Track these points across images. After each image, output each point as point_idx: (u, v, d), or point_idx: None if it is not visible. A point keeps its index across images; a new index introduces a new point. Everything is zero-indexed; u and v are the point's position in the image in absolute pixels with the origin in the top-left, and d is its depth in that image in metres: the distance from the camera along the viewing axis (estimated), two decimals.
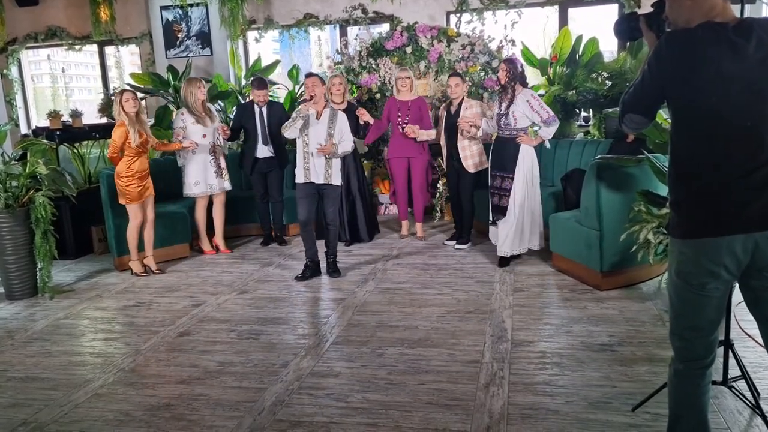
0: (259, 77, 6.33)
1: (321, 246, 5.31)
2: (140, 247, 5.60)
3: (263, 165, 6.15)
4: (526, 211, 5.14)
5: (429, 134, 6.02)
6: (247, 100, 6.45)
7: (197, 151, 5.84)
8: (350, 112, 6.09)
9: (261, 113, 6.06)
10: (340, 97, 6.08)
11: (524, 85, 5.14)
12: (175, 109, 7.71)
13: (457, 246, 5.88)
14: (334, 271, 5.23)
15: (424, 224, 6.51)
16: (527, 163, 5.10)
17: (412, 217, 6.43)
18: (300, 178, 5.11)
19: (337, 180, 5.12)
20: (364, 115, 5.93)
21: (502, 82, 5.09)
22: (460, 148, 5.69)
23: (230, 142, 6.63)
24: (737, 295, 4.14)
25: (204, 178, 5.90)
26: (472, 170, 5.71)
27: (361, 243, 6.25)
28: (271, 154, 6.09)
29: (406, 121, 6.00)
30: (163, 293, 5.05)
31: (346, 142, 5.09)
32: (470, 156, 5.70)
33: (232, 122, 6.40)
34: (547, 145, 5.22)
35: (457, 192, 5.96)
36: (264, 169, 6.17)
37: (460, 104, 5.70)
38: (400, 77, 6.08)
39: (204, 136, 5.81)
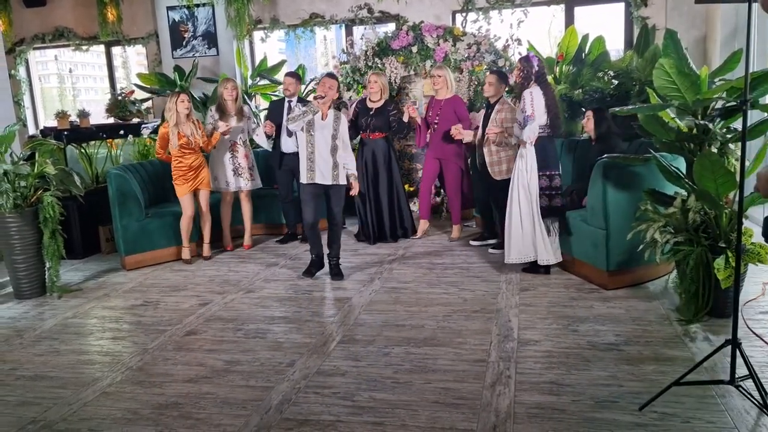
0: (289, 72, 6.50)
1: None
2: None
3: (289, 161, 6.12)
4: (521, 219, 4.83)
5: (470, 134, 5.74)
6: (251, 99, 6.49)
7: (218, 149, 5.94)
8: (385, 109, 6.08)
9: (290, 107, 6.09)
10: (378, 95, 6.06)
11: (540, 82, 4.80)
12: None
13: (492, 251, 5.64)
14: (336, 274, 5.16)
15: (430, 224, 6.49)
16: (523, 167, 4.78)
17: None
18: (303, 179, 5.04)
19: (343, 179, 5.07)
20: (414, 112, 5.91)
21: (516, 81, 4.90)
22: (485, 154, 5.43)
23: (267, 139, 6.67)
24: (744, 294, 4.14)
25: (223, 175, 6.01)
26: (497, 178, 5.40)
27: (407, 238, 6.25)
28: (296, 150, 6.07)
29: (436, 121, 5.95)
30: (170, 292, 5.07)
31: (347, 152, 5.03)
32: (496, 162, 5.40)
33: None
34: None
35: (484, 194, 5.82)
36: (291, 167, 6.13)
37: (494, 105, 5.44)
38: (433, 75, 6.03)
39: (225, 134, 5.84)
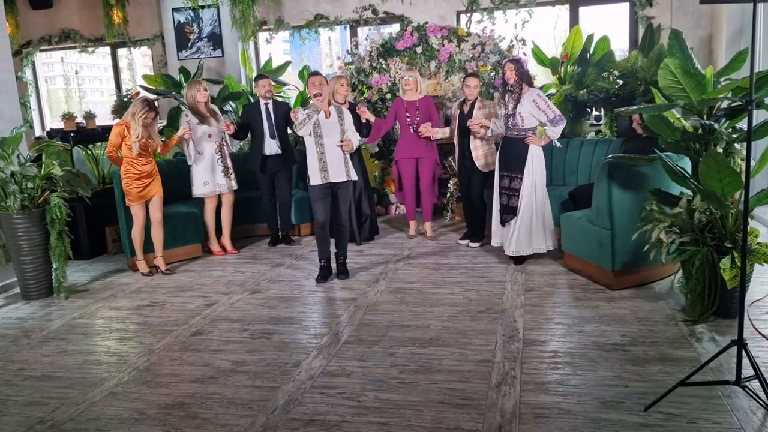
0: (260, 74, 6.47)
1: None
2: (149, 248, 5.67)
3: (272, 164, 6.16)
4: (534, 213, 5.11)
5: (444, 132, 6.01)
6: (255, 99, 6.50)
7: (204, 152, 5.90)
8: (351, 111, 6.10)
9: (267, 109, 6.11)
10: (342, 97, 6.09)
11: (530, 84, 5.16)
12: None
13: (471, 245, 5.92)
14: (342, 272, 5.22)
15: (435, 224, 6.52)
16: (536, 164, 5.08)
17: (419, 216, 6.46)
18: (316, 180, 5.00)
19: (354, 175, 5.13)
20: (365, 113, 5.94)
21: (511, 82, 5.07)
22: (472, 148, 5.75)
23: (239, 141, 6.67)
24: (750, 295, 4.13)
25: (212, 178, 5.95)
26: (484, 170, 5.76)
27: (362, 244, 6.23)
28: (279, 151, 6.10)
29: (416, 121, 5.98)
30: (176, 293, 5.09)
31: (354, 136, 5.13)
32: (482, 156, 5.75)
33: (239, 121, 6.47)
34: (557, 144, 5.16)
35: (468, 191, 5.97)
36: (273, 169, 6.19)
37: (473, 104, 5.72)
38: (404, 77, 6.11)
39: (210, 136, 5.86)
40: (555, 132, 5.00)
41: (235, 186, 6.08)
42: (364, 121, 5.99)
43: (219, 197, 6.07)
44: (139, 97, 5.59)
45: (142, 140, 5.34)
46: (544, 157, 5.17)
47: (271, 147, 6.11)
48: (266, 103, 6.13)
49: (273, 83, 6.29)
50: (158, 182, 5.56)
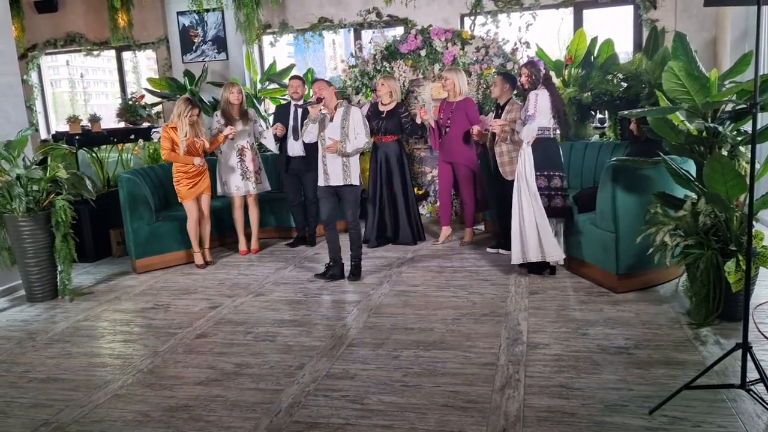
0: (294, 75, 6.58)
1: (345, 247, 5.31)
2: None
3: (295, 165, 6.16)
4: (525, 219, 4.82)
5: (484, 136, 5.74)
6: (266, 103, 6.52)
7: (226, 153, 5.98)
8: (396, 112, 6.06)
9: (296, 111, 6.12)
10: (387, 98, 6.05)
11: (547, 85, 4.87)
12: None
13: (503, 252, 5.63)
14: (353, 274, 5.23)
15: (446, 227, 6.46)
16: (524, 167, 4.82)
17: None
18: (320, 181, 5.14)
19: (355, 180, 5.10)
20: (425, 114, 5.85)
21: (525, 87, 4.91)
22: (497, 154, 5.44)
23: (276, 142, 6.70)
24: (755, 298, 4.12)
25: (230, 180, 6.03)
26: (509, 178, 5.32)
27: (406, 245, 6.17)
28: (303, 153, 6.05)
29: (447, 124, 5.88)
30: (181, 295, 5.10)
31: (359, 138, 5.03)
32: (507, 163, 5.40)
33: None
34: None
35: (498, 198, 5.76)
36: (297, 171, 6.18)
37: (504, 106, 5.50)
38: (441, 77, 5.95)
39: (232, 139, 5.88)
40: (524, 132, 4.75)
41: (253, 190, 6.09)
42: (419, 122, 5.92)
43: (245, 198, 6.16)
44: (181, 97, 5.72)
45: (189, 139, 5.54)
46: (532, 162, 4.80)
47: (294, 149, 6.10)
48: (296, 105, 6.16)
49: (300, 83, 6.26)
50: (207, 179, 5.77)
